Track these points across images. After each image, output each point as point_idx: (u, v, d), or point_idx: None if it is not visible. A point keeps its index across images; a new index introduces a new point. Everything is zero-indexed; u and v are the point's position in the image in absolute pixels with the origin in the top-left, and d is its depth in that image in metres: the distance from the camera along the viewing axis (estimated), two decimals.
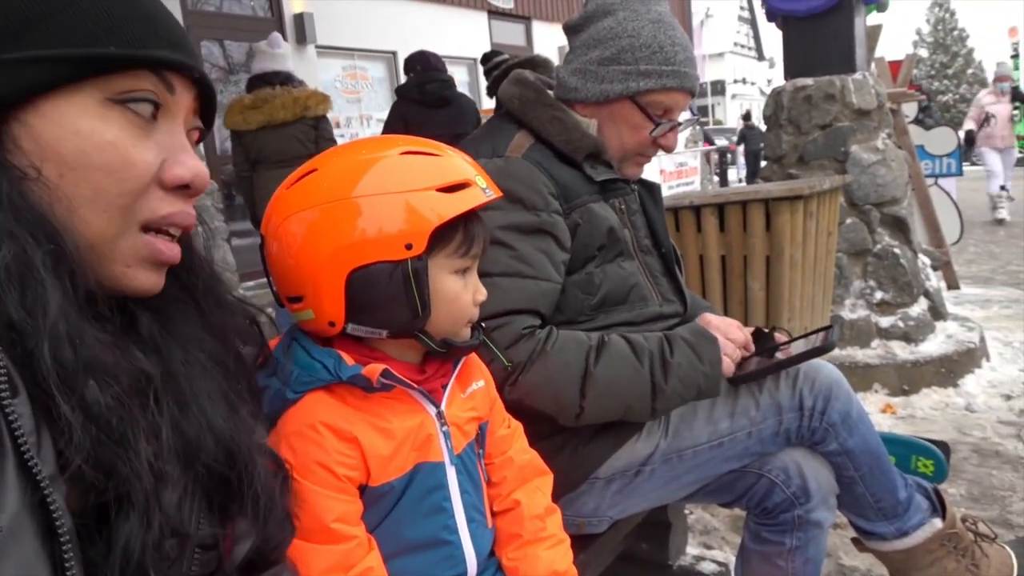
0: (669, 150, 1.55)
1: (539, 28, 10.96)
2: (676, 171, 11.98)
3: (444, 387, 1.06)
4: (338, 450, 0.95)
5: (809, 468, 1.44)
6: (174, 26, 0.68)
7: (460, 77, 9.25)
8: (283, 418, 0.96)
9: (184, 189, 0.68)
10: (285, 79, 4.31)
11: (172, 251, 0.68)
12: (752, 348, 1.50)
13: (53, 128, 0.60)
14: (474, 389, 1.12)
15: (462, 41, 9.52)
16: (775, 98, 4.01)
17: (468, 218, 1.01)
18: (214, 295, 0.78)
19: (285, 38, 5.74)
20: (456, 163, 1.01)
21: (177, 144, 0.68)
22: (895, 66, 6.01)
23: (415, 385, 1.00)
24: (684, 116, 1.53)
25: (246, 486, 0.71)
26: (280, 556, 0.78)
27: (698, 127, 16.44)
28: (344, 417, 0.97)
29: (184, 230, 0.70)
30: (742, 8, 38.46)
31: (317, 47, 7.95)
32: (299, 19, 7.70)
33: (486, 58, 4.28)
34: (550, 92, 1.52)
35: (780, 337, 1.55)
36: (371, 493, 0.98)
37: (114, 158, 0.62)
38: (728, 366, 1.42)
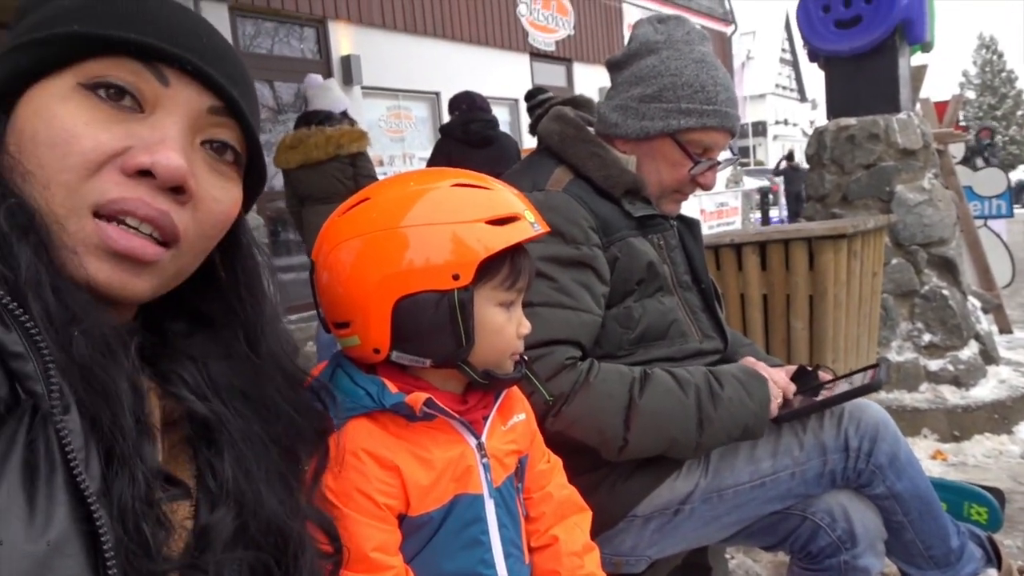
0: (707, 188, 1.55)
1: (580, 70, 11.11)
2: (717, 211, 11.93)
3: (485, 419, 1.06)
4: (379, 478, 0.95)
5: (856, 511, 1.40)
6: (183, 27, 0.67)
7: (502, 117, 9.38)
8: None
9: (148, 178, 0.64)
10: (323, 118, 4.42)
11: (127, 242, 0.63)
12: (791, 395, 1.47)
13: (24, 110, 0.63)
14: (515, 422, 1.12)
15: (504, 82, 9.69)
16: (818, 137, 3.99)
17: (515, 252, 1.02)
18: (278, 359, 0.78)
19: (330, 78, 5.91)
20: (505, 196, 1.02)
21: (157, 137, 0.64)
22: (941, 107, 5.94)
23: (457, 415, 1.00)
24: (724, 155, 1.53)
25: (292, 571, 0.70)
26: None
27: (738, 167, 16.39)
28: (386, 445, 0.97)
29: (152, 224, 0.65)
30: (784, 50, 38.47)
31: (363, 88, 8.15)
32: (346, 61, 7.92)
33: (530, 95, 4.35)
34: (590, 129, 1.54)
35: (824, 375, 1.53)
36: (410, 523, 0.97)
37: (59, 133, 0.62)
38: (773, 408, 1.40)
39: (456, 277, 0.96)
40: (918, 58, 4.26)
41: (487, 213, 0.98)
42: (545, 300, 1.33)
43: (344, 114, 4.51)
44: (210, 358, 0.72)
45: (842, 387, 1.44)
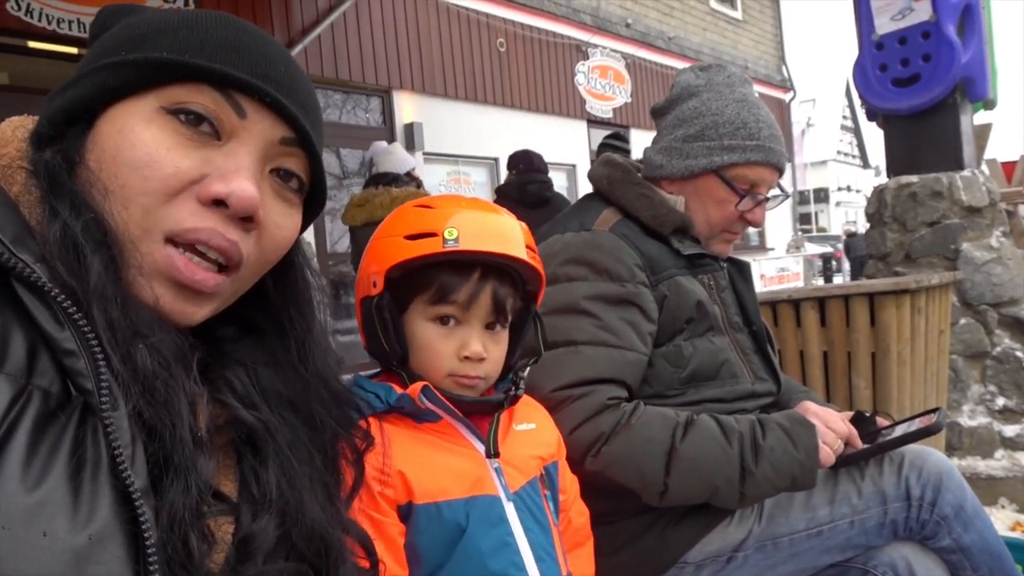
0: (756, 225, 1.55)
1: (637, 136, 11.25)
2: (778, 276, 11.74)
3: (490, 424, 1.09)
4: (375, 465, 0.99)
5: (920, 566, 1.33)
6: (264, 57, 0.68)
7: (559, 182, 9.53)
8: None
9: (222, 208, 0.65)
10: (391, 180, 4.57)
11: (194, 274, 0.65)
12: (859, 444, 1.41)
13: (108, 129, 0.65)
14: (524, 429, 1.15)
15: (562, 148, 9.86)
16: (878, 196, 3.94)
17: (457, 271, 1.06)
18: (336, 390, 0.81)
19: (395, 142, 6.14)
20: (438, 216, 1.06)
21: (232, 166, 0.66)
22: (1009, 167, 5.79)
23: (456, 410, 1.05)
24: (773, 193, 1.54)
25: (329, 561, 0.71)
26: None
27: (799, 233, 16.16)
28: (389, 434, 1.03)
29: (221, 253, 0.67)
30: (844, 117, 38.24)
31: (424, 153, 8.41)
32: (409, 128, 8.21)
33: (609, 138, 4.49)
34: (638, 174, 1.57)
35: (882, 421, 1.48)
36: (427, 515, 1.01)
37: (142, 156, 0.63)
38: (827, 456, 1.34)
39: (374, 285, 1.06)
40: (982, 116, 4.20)
41: (408, 229, 1.06)
42: (589, 338, 1.34)
43: (409, 175, 4.66)
44: (258, 364, 0.74)
45: (900, 431, 1.40)
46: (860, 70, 3.86)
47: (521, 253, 1.07)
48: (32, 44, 5.64)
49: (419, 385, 1.02)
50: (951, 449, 3.53)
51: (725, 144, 1.48)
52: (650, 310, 1.39)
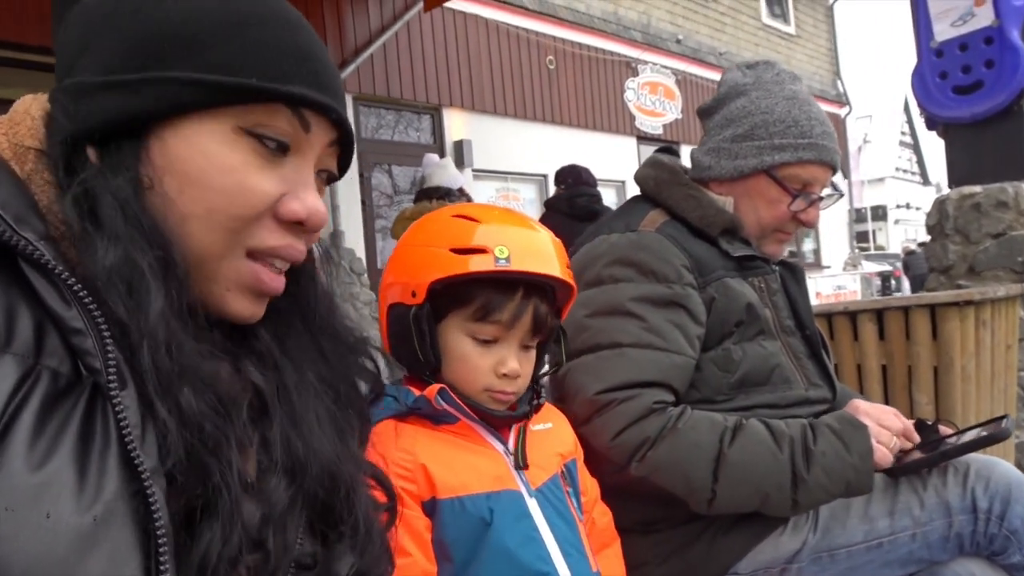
0: (810, 226, 1.50)
1: (687, 152, 11.16)
2: (834, 294, 11.46)
3: (510, 427, 1.11)
4: (396, 461, 1.01)
5: None
6: (325, 67, 0.69)
7: (609, 199, 9.47)
8: None
9: (298, 225, 0.68)
10: (443, 194, 4.61)
11: (274, 282, 0.68)
12: (916, 438, 1.36)
13: (185, 147, 0.62)
14: (542, 429, 1.16)
15: (611, 165, 9.83)
16: (939, 207, 3.81)
17: (502, 289, 1.05)
18: (332, 327, 0.79)
19: (446, 157, 6.22)
20: (487, 232, 1.05)
21: (301, 181, 0.68)
22: None
23: (472, 413, 1.05)
24: (827, 192, 1.49)
25: (346, 514, 0.70)
26: None
27: (856, 250, 15.77)
28: (407, 433, 1.05)
29: (291, 263, 0.70)
30: (903, 133, 37.32)
31: (474, 170, 8.47)
32: (459, 145, 8.29)
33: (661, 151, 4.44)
34: (686, 175, 1.54)
35: (945, 429, 1.41)
36: (451, 509, 1.01)
37: (232, 183, 0.63)
38: (883, 456, 1.29)
39: (414, 295, 1.05)
40: None
41: (454, 242, 1.05)
42: (635, 341, 1.31)
43: (461, 191, 4.70)
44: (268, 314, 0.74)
45: (964, 439, 1.33)
46: (919, 78, 3.76)
47: (564, 273, 1.08)
48: None
49: (435, 387, 1.04)
50: (1020, 469, 3.36)
51: (776, 143, 1.44)
52: (698, 312, 1.36)
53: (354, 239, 7.27)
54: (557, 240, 1.11)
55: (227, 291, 0.66)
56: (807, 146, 1.43)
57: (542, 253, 1.07)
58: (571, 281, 1.11)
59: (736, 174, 1.47)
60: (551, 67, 9.33)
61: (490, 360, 1.07)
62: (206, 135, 0.63)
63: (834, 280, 12.05)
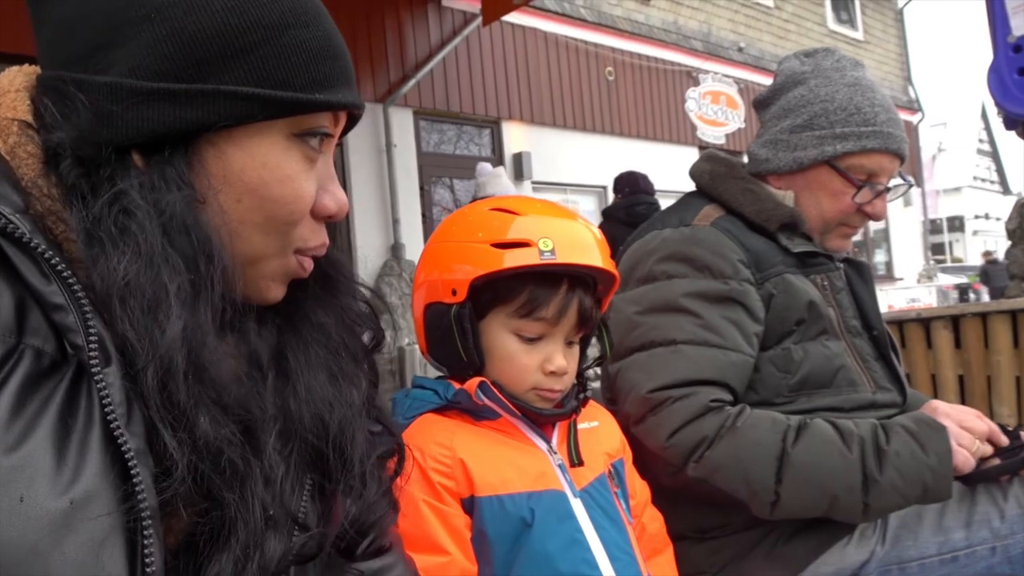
0: (877, 218, 1.42)
1: None
2: (908, 307, 11.05)
3: (554, 424, 1.07)
4: (434, 455, 0.98)
5: None
6: (348, 59, 0.69)
7: None
8: None
9: (327, 218, 0.70)
10: None
11: (310, 267, 0.71)
12: (1003, 440, 1.27)
13: (243, 157, 0.62)
14: (587, 427, 1.11)
15: (672, 175, 9.68)
16: (1019, 210, 3.63)
17: (546, 283, 1.02)
18: (331, 276, 0.77)
19: (500, 166, 6.24)
20: (528, 224, 1.02)
21: (328, 174, 0.69)
22: None
23: (513, 408, 1.02)
24: (894, 182, 1.41)
25: (338, 459, 0.68)
26: (381, 538, 0.75)
27: (931, 262, 15.17)
28: (446, 427, 1.02)
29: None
30: (981, 141, 35.85)
31: (533, 183, 8.47)
32: (518, 158, 8.30)
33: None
34: (743, 169, 1.48)
35: None
36: (490, 507, 0.98)
37: (289, 191, 0.64)
38: (964, 460, 1.20)
39: (454, 292, 1.01)
40: None
41: (495, 236, 1.01)
42: (690, 338, 1.26)
43: None
44: None
45: None
46: (995, 75, 3.57)
47: (607, 263, 1.05)
48: None
49: (476, 381, 1.00)
50: None
51: (837, 132, 1.37)
52: (756, 309, 1.30)
53: (414, 252, 7.34)
54: (595, 229, 1.08)
55: (272, 282, 0.68)
56: (871, 134, 1.36)
57: (585, 244, 1.03)
58: (614, 271, 1.07)
59: (796, 166, 1.41)
60: (610, 78, 9.28)
61: (536, 358, 1.03)
62: (266, 145, 0.63)
63: (907, 292, 11.61)
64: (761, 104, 1.51)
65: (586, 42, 9.02)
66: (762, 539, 1.27)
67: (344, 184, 6.87)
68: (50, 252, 0.53)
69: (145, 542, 0.50)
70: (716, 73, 10.57)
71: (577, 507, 1.01)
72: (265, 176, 0.63)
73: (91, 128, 0.58)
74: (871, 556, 1.24)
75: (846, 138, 1.37)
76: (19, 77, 0.64)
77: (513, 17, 7.53)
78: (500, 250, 1.00)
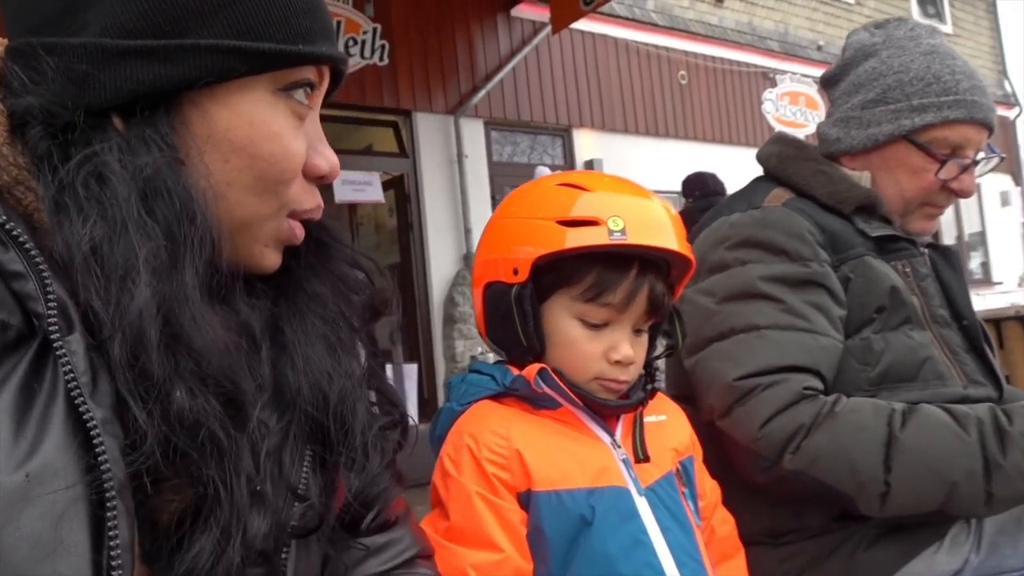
0: (964, 195, 1.31)
1: None
2: (1007, 306, 10.43)
3: (618, 416, 1.00)
4: (489, 445, 0.93)
5: None
6: (328, 16, 0.68)
7: None
8: (451, 429, 0.99)
9: (319, 179, 0.68)
10: None
11: (302, 233, 0.69)
12: None
13: (228, 115, 0.60)
14: (655, 421, 1.04)
15: (747, 178, 9.46)
16: None
17: (614, 265, 0.95)
18: (325, 243, 0.75)
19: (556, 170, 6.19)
20: (596, 201, 0.96)
21: (316, 134, 0.67)
22: None
23: (575, 398, 0.95)
24: (981, 155, 1.30)
25: (339, 430, 0.66)
26: (386, 511, 0.72)
27: None
28: (502, 415, 0.97)
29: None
30: None
31: None
32: (589, 165, 8.23)
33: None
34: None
35: None
36: (547, 502, 0.92)
37: (279, 148, 0.62)
38: None
39: (515, 272, 0.95)
40: None
41: (561, 213, 0.95)
42: (774, 322, 1.17)
43: None
44: None
45: None
46: None
47: (683, 246, 0.98)
48: None
49: (536, 367, 0.95)
50: None
51: (915, 104, 1.27)
52: (839, 292, 1.20)
53: None
54: (672, 210, 1.01)
55: (265, 247, 0.66)
56: (953, 103, 1.25)
57: (659, 224, 0.96)
58: (690, 255, 1.00)
59: (870, 144, 1.31)
60: (683, 82, 9.13)
61: (601, 345, 0.97)
62: (251, 102, 0.61)
63: (1007, 297, 10.94)
64: (829, 81, 1.42)
65: (657, 46, 8.90)
66: (841, 544, 1.18)
67: (416, 195, 7.00)
68: (3, 218, 0.51)
69: (108, 515, 0.47)
70: (794, 73, 10.26)
71: (642, 506, 0.95)
72: (252, 134, 0.61)
73: (65, 92, 0.56)
74: (964, 565, 1.14)
75: (925, 110, 1.27)
76: None
77: (582, 24, 7.48)
78: (566, 228, 0.94)
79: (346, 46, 6.25)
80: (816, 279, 1.20)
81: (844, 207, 1.28)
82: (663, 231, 0.96)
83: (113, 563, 0.46)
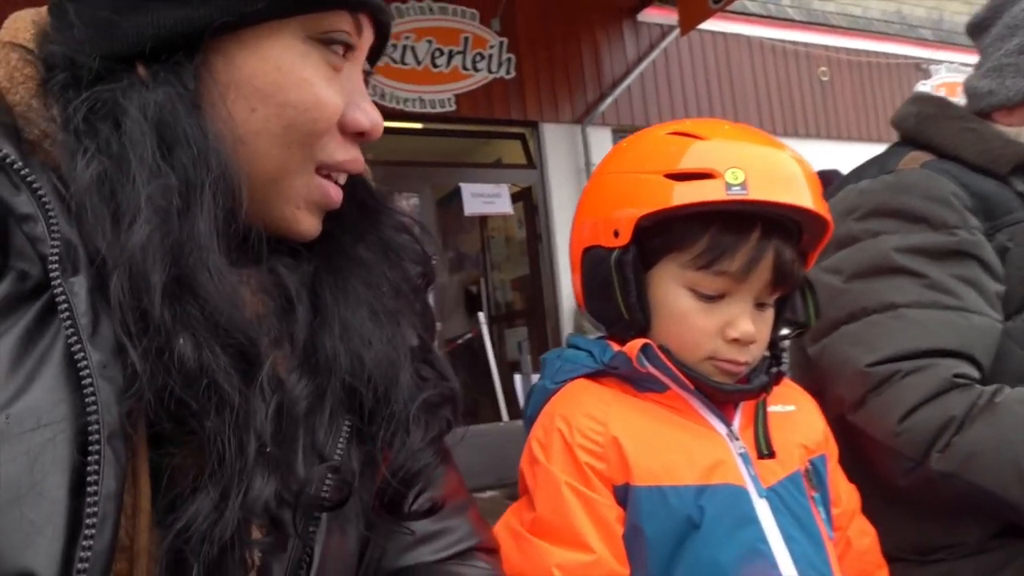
0: None
1: None
2: None
3: (737, 404, 0.86)
4: (582, 431, 0.82)
5: None
6: None
7: None
8: (543, 410, 0.89)
9: (359, 136, 0.66)
10: None
11: (339, 196, 0.67)
12: None
13: (254, 60, 0.59)
14: (781, 411, 0.89)
15: None
16: None
17: (731, 227, 0.82)
18: (369, 205, 0.72)
19: None
20: (712, 150, 0.82)
21: (357, 89, 0.66)
22: None
23: (684, 380, 0.82)
24: None
25: (378, 401, 0.62)
26: (429, 492, 0.67)
27: None
28: (600, 397, 0.85)
29: (353, 174, 0.69)
30: None
31: None
32: None
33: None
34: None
35: None
36: (648, 498, 0.80)
37: (309, 96, 0.60)
38: None
39: (616, 235, 0.83)
40: None
41: (670, 165, 0.81)
42: (914, 299, 1.02)
43: None
44: None
45: None
46: None
47: (817, 204, 0.83)
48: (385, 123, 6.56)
49: (639, 343, 0.82)
50: None
51: None
52: (995, 264, 1.04)
53: None
54: (806, 162, 0.87)
55: (297, 209, 0.64)
56: None
57: (788, 178, 0.82)
58: (826, 214, 0.85)
59: None
60: (824, 79, 8.65)
61: (716, 321, 0.85)
62: (279, 47, 0.60)
63: None
64: (977, 28, 1.24)
65: (795, 43, 8.50)
66: (1003, 566, 0.99)
67: (544, 205, 7.00)
68: (12, 157, 0.51)
69: (90, 459, 0.45)
70: (951, 63, 9.49)
71: (762, 510, 0.81)
72: (280, 80, 0.59)
73: (89, 41, 0.56)
74: None
75: None
76: (31, 11, 0.64)
77: (712, 24, 7.24)
78: (675, 182, 0.82)
79: (473, 61, 6.36)
80: (965, 249, 1.03)
81: (999, 167, 1.10)
82: (793, 185, 0.82)
83: (89, 510, 0.44)
